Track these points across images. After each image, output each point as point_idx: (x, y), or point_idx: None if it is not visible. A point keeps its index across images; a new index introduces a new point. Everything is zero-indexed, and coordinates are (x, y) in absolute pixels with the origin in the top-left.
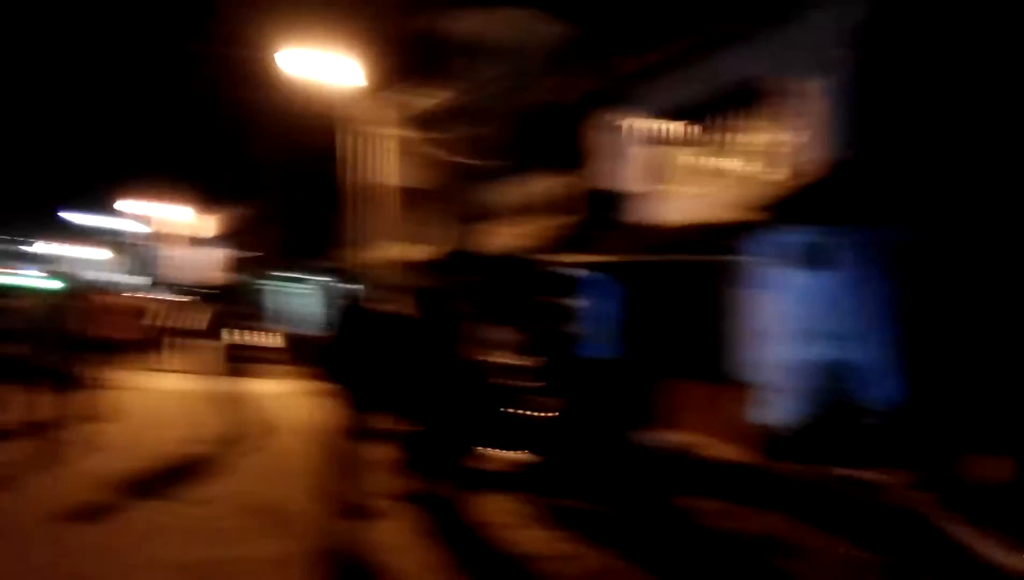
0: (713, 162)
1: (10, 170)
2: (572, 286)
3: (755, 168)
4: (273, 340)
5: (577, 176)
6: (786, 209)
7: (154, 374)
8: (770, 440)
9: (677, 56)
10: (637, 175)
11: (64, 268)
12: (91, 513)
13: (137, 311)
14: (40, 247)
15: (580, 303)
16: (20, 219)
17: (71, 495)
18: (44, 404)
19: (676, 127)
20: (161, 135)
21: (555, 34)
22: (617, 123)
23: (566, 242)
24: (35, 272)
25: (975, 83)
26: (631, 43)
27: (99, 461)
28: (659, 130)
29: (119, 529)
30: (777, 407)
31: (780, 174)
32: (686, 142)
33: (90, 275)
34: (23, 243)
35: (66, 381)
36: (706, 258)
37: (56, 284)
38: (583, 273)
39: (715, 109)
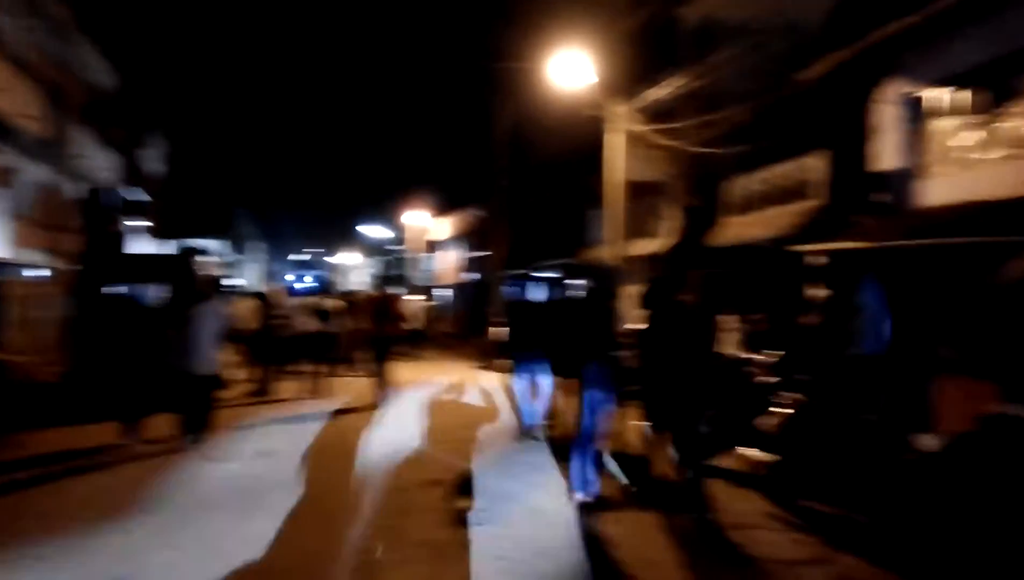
0: (998, 134)
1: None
2: (819, 276)
3: None
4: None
5: (823, 159)
6: None
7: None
8: None
9: (959, 13)
10: (900, 153)
11: (337, 275)
12: None
13: (407, 309)
14: (337, 257)
15: (828, 294)
16: (320, 235)
17: None
18: None
19: (951, 97)
20: (430, 147)
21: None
22: (875, 97)
23: (812, 230)
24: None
25: None
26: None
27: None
28: (931, 102)
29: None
30: None
31: None
32: (963, 113)
33: (354, 279)
34: (324, 256)
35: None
36: (989, 241)
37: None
38: (830, 262)
39: (1004, 75)
